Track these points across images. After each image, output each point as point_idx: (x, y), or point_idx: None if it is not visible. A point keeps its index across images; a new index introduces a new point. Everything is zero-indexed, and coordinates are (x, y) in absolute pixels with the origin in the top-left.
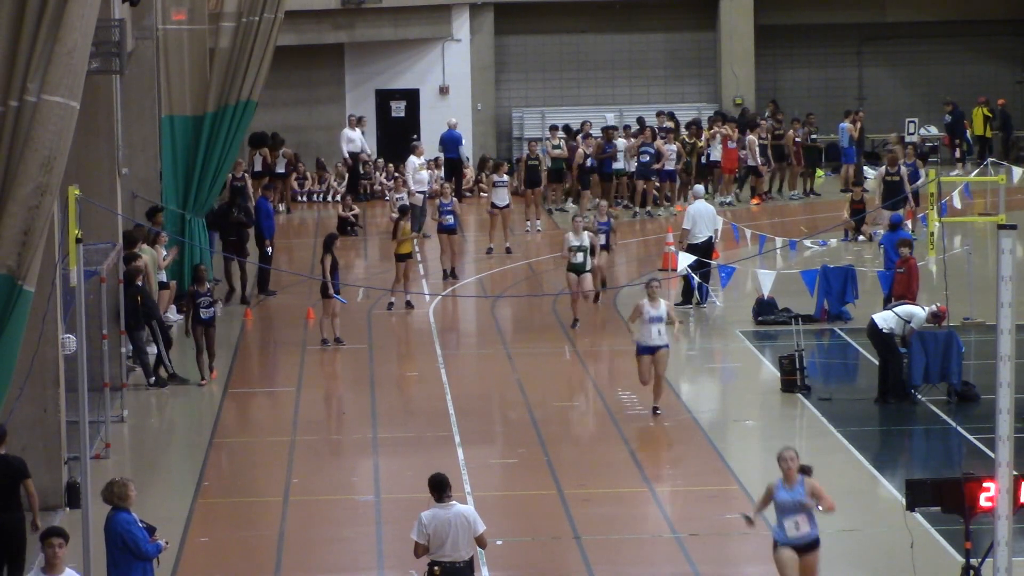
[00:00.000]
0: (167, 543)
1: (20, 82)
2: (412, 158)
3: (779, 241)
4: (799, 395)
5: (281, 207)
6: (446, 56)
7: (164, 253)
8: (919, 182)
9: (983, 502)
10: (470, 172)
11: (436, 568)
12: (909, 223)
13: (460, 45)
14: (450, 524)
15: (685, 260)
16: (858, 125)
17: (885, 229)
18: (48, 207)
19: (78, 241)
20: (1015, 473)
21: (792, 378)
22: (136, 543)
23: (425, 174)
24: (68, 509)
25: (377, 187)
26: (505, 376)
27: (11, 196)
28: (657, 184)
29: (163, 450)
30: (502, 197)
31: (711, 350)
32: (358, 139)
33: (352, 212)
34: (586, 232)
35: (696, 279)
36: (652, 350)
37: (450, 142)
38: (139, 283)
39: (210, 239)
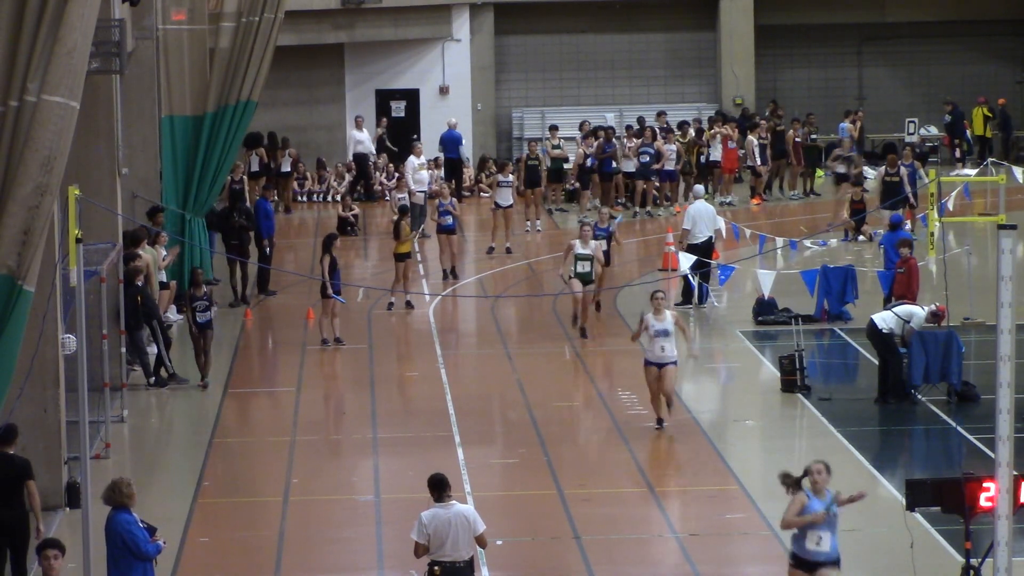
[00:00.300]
0: (165, 543)
1: (20, 82)
2: (411, 158)
3: (779, 241)
4: (799, 395)
5: (280, 206)
6: (446, 56)
7: (164, 253)
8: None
9: (983, 502)
10: (470, 172)
11: (436, 568)
12: (909, 223)
13: (460, 45)
14: (450, 524)
15: (686, 260)
16: (858, 125)
17: (885, 229)
18: (48, 207)
19: (78, 241)
20: (1015, 473)
21: (792, 378)
22: (136, 543)
23: (425, 174)
24: (68, 509)
25: (377, 187)
26: (505, 376)
27: (11, 196)
28: (657, 184)
29: (163, 450)
30: (506, 197)
31: (711, 350)
32: (366, 140)
33: (352, 212)
34: (593, 241)
35: (696, 279)
36: (659, 365)
37: (450, 142)
38: (139, 283)
39: (210, 239)
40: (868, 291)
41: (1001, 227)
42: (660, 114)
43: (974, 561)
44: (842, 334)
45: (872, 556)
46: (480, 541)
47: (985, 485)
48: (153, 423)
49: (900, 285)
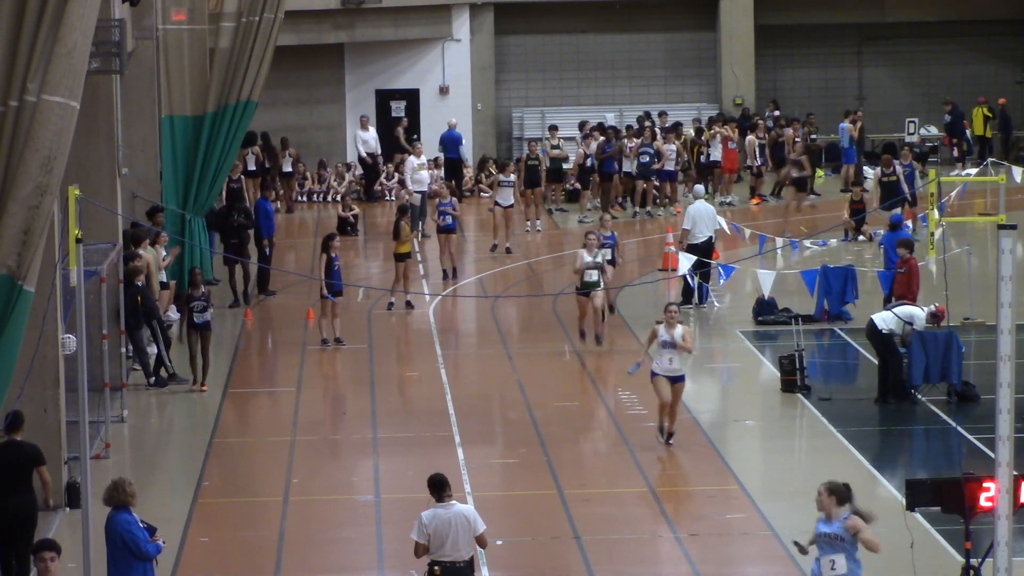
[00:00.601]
0: (165, 543)
1: (20, 82)
2: (411, 158)
3: (779, 241)
4: (799, 395)
5: (279, 205)
6: (446, 56)
7: (164, 253)
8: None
9: (983, 502)
10: (470, 172)
11: (436, 568)
12: (909, 223)
13: (460, 45)
14: (450, 524)
15: (686, 260)
16: (858, 125)
17: (885, 229)
18: (48, 207)
19: (78, 241)
20: (1015, 473)
21: (792, 378)
22: (136, 543)
23: (425, 174)
24: (68, 509)
25: (377, 187)
26: (505, 376)
27: (11, 196)
28: (657, 184)
29: (163, 450)
30: (507, 197)
31: (711, 350)
32: (372, 140)
33: (352, 212)
34: (599, 249)
35: (696, 279)
36: (671, 379)
37: (450, 142)
38: (139, 283)
39: (210, 239)
40: (868, 291)
41: (1001, 227)
42: (661, 114)
43: (974, 561)
44: (842, 334)
45: (872, 556)
46: (480, 541)
47: (985, 485)
48: (153, 423)
49: (900, 285)
